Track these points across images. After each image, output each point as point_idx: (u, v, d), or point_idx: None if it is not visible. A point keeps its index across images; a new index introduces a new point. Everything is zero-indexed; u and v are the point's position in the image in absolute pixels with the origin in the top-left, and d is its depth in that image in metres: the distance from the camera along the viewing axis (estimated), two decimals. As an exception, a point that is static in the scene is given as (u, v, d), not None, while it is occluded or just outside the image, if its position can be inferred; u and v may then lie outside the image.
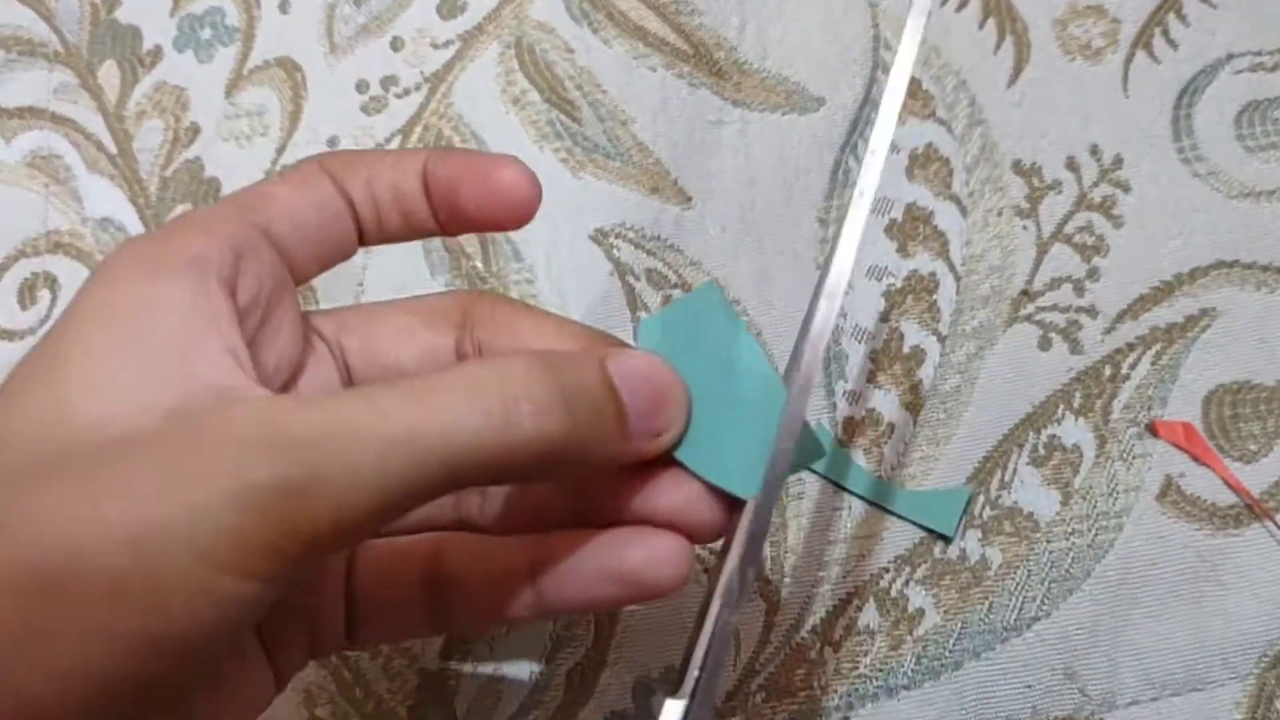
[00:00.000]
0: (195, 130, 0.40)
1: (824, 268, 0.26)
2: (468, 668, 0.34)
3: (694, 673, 0.24)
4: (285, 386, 0.26)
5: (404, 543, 0.27)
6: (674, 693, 0.24)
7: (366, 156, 0.27)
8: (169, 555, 0.19)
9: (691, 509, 0.25)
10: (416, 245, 0.38)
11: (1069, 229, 0.37)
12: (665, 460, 0.25)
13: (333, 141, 0.40)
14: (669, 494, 0.25)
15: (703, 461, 0.25)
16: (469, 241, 0.38)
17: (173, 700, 0.22)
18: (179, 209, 0.40)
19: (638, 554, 0.25)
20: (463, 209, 0.26)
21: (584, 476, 0.26)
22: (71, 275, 0.39)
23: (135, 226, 0.40)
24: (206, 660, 0.21)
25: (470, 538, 0.27)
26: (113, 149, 0.41)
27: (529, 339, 0.27)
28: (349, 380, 0.28)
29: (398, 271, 0.38)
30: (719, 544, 0.25)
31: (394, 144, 0.40)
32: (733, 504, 0.25)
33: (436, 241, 0.39)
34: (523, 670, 0.34)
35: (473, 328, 0.28)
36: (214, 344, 0.22)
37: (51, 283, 0.39)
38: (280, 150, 0.40)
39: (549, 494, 0.27)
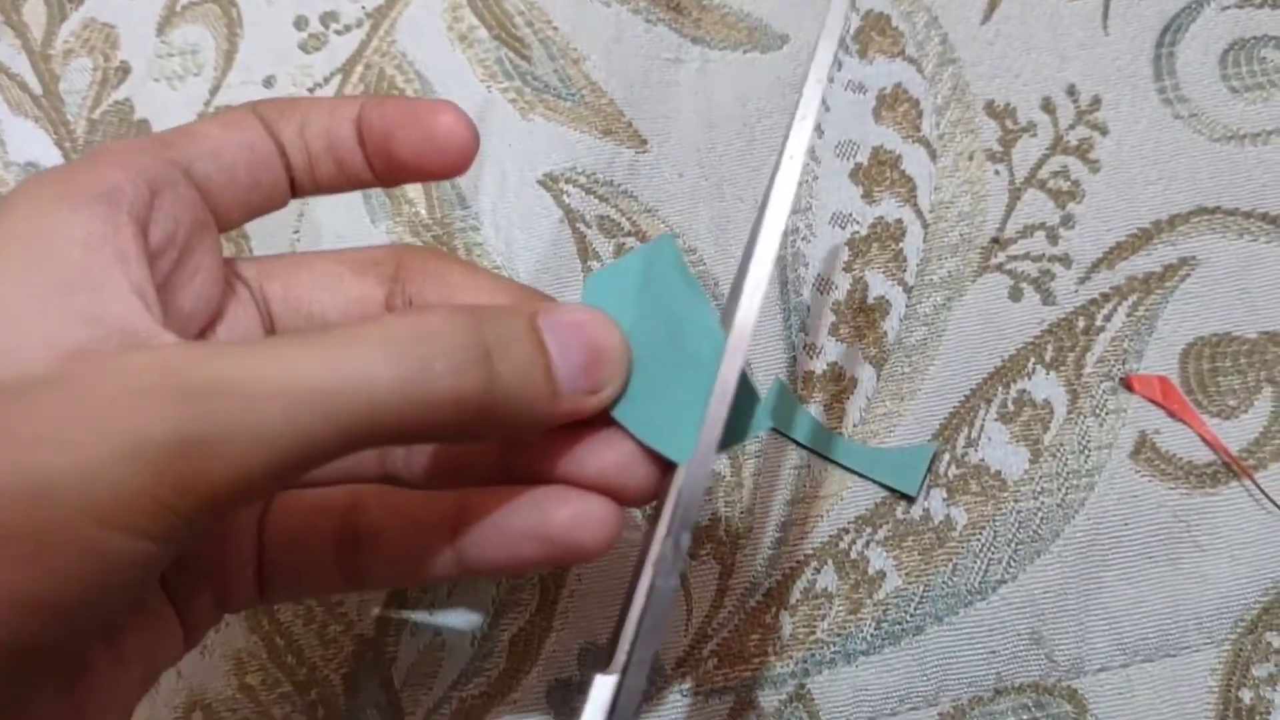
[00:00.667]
0: (125, 70, 0.38)
1: (753, 230, 0.24)
2: (406, 634, 0.33)
3: (624, 646, 0.22)
4: (202, 332, 0.25)
5: (320, 495, 0.26)
6: (605, 668, 0.22)
7: (301, 102, 0.26)
8: (56, 510, 0.18)
9: (623, 471, 0.24)
10: (356, 192, 0.36)
11: (1043, 174, 0.35)
12: (601, 418, 0.23)
13: (269, 81, 0.38)
14: (600, 454, 0.24)
15: (640, 421, 0.23)
16: (411, 186, 0.36)
17: (61, 663, 0.21)
18: (107, 153, 0.38)
19: (563, 514, 0.23)
20: (398, 156, 0.25)
21: (513, 435, 0.25)
22: (-7, 222, 0.37)
23: (61, 171, 0.38)
24: (97, 623, 0.19)
25: (389, 491, 0.26)
26: (38, 89, 0.39)
27: (461, 294, 0.26)
28: (271, 329, 0.27)
29: (337, 219, 0.36)
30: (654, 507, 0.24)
31: (333, 83, 0.37)
32: (668, 467, 0.23)
33: (385, 195, 0.37)
34: (465, 636, 0.33)
35: (405, 281, 0.27)
36: (121, 282, 0.21)
37: (-28, 230, 0.37)
38: (214, 91, 0.38)
39: (477, 449, 0.26)
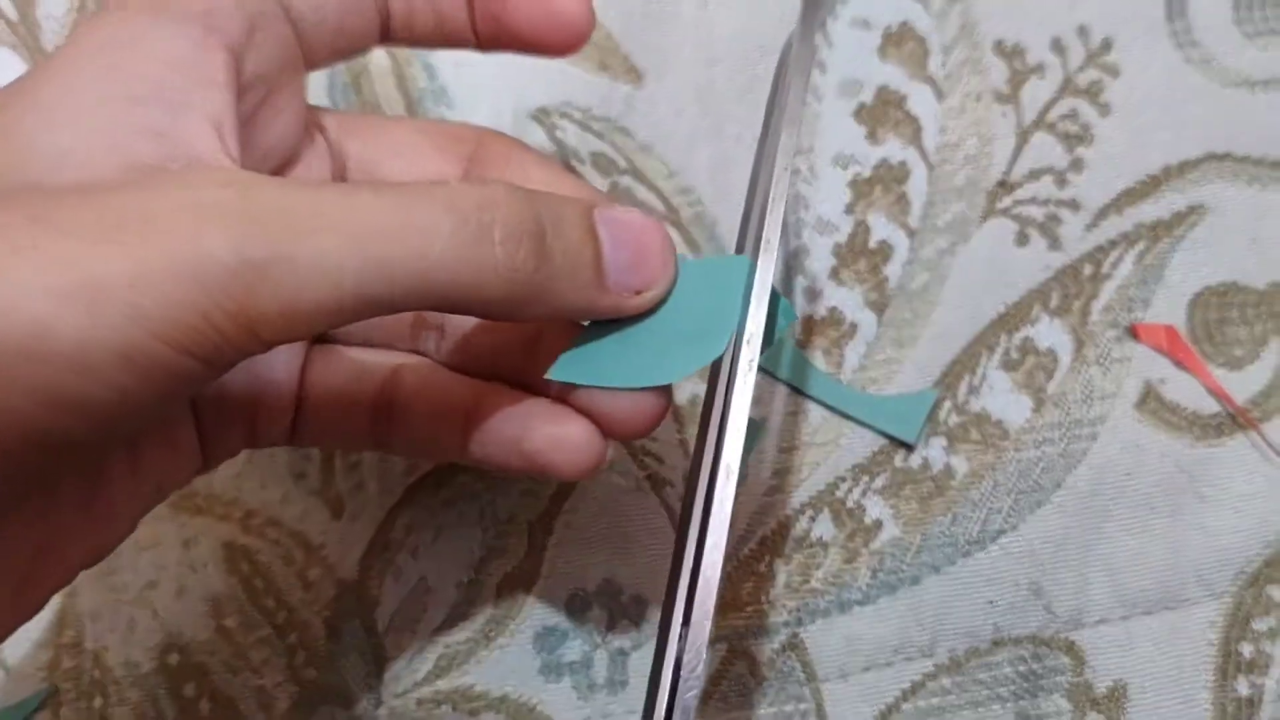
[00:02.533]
0: (102, -5, 0.37)
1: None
2: (390, 578, 0.32)
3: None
4: (275, 173, 0.25)
5: (364, 359, 0.26)
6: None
7: None
8: (103, 311, 0.17)
9: (608, 399, 0.24)
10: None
11: (1052, 116, 0.34)
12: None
13: (252, 8, 0.36)
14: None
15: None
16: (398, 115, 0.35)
17: (84, 463, 0.21)
18: (83, 80, 0.36)
19: (542, 434, 0.24)
20: (509, 24, 0.25)
21: (548, 326, 0.25)
22: (-37, 150, 0.36)
23: (35, 99, 0.36)
24: (126, 428, 0.19)
25: (426, 368, 0.26)
26: (13, 15, 0.37)
27: (537, 184, 0.25)
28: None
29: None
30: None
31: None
32: (658, 400, 0.23)
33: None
34: (449, 581, 0.32)
35: (483, 164, 0.27)
36: (198, 108, 0.21)
37: (-58, 158, 0.36)
38: (195, 17, 0.36)
39: (505, 342, 0.26)
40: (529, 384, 0.25)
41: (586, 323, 0.24)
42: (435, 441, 0.26)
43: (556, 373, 0.23)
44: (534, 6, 0.25)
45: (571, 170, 0.26)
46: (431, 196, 0.20)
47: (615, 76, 0.35)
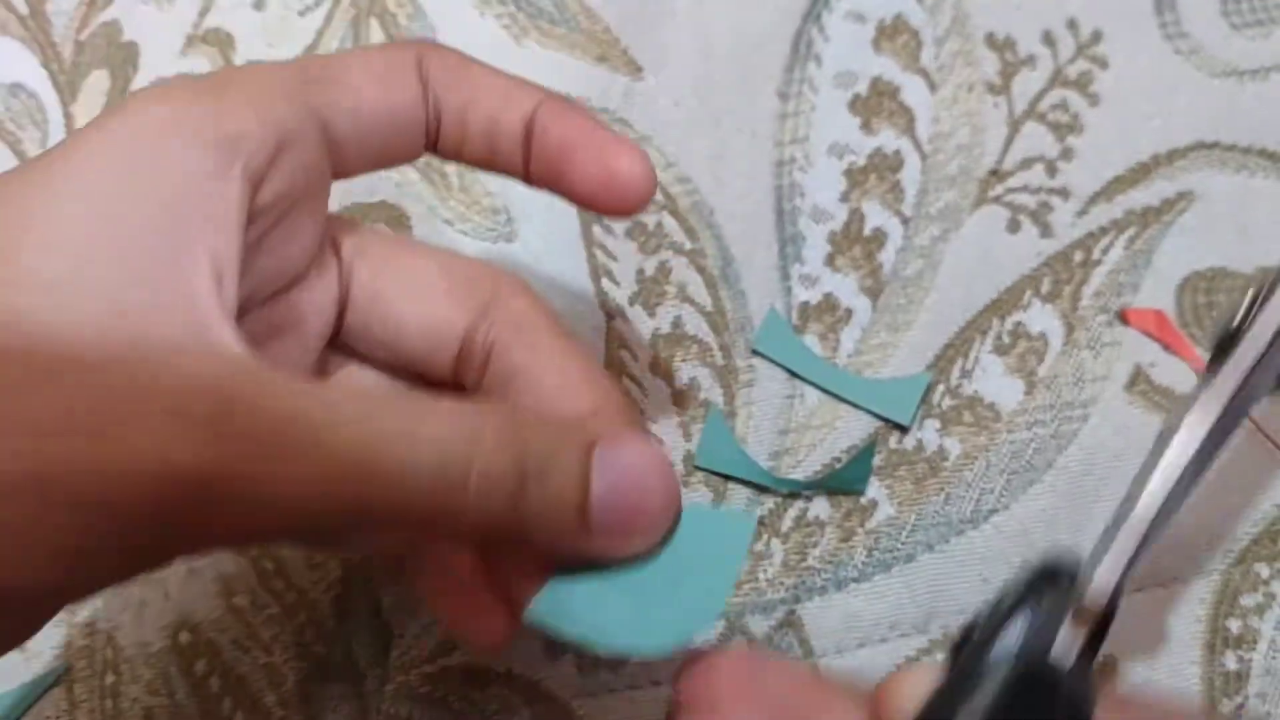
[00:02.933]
0: (113, -9, 0.38)
1: None
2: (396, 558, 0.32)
3: None
4: (276, 295, 0.24)
5: None
6: None
7: (475, 73, 0.25)
8: (52, 509, 0.17)
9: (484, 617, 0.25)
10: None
11: (1043, 106, 0.35)
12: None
13: (259, 4, 0.37)
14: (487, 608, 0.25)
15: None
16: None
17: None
18: (95, 75, 0.37)
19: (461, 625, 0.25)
20: (569, 180, 0.24)
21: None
22: (-22, 143, 0.37)
23: (48, 93, 0.37)
24: (54, 608, 0.20)
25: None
26: (24, 9, 0.38)
27: (544, 375, 0.25)
28: (343, 309, 0.25)
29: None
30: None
31: (324, 6, 0.37)
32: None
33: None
34: (454, 561, 0.32)
35: (494, 323, 0.25)
36: (201, 254, 0.20)
37: (-43, 151, 0.37)
38: (203, 13, 0.37)
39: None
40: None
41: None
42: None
43: (535, 615, 0.22)
44: (597, 172, 0.24)
45: (584, 347, 0.27)
46: (415, 435, 0.19)
47: (615, 69, 0.36)
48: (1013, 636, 0.20)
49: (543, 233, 0.35)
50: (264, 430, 0.18)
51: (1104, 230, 0.34)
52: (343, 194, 0.35)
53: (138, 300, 0.19)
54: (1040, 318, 0.33)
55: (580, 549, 0.22)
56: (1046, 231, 0.34)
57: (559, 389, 0.24)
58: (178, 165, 0.20)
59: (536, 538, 0.21)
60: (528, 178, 0.25)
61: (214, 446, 0.17)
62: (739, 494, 0.32)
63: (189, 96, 0.20)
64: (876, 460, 0.32)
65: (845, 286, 0.34)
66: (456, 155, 0.25)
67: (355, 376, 0.26)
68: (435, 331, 0.25)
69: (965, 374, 0.33)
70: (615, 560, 0.22)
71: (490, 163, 0.25)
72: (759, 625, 0.32)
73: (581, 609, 0.21)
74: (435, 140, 0.25)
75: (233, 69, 0.23)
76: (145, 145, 0.20)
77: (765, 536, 0.32)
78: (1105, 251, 0.34)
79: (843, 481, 0.32)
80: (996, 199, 0.34)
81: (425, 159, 0.35)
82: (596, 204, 0.25)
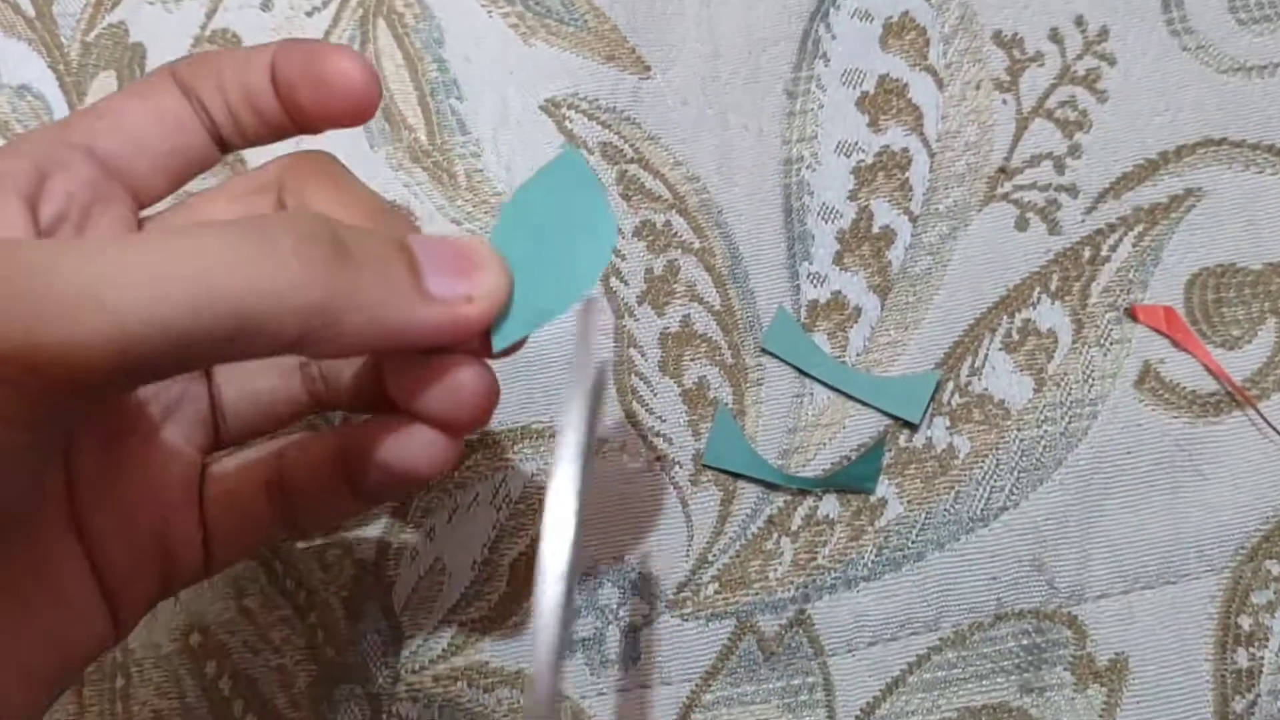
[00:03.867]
0: (119, -8, 0.38)
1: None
2: (406, 558, 0.32)
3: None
4: None
5: (247, 452, 0.26)
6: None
7: (213, 57, 0.25)
8: None
9: (435, 402, 0.23)
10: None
11: (1050, 103, 0.35)
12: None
13: (266, 4, 0.37)
14: (428, 387, 0.23)
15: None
16: (411, 113, 0.36)
17: None
18: (101, 76, 0.37)
19: (394, 449, 0.23)
20: (300, 105, 0.24)
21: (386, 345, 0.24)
22: (-15, 145, 0.37)
23: (55, 95, 0.37)
24: None
25: (304, 437, 0.25)
26: (30, 11, 0.38)
27: (344, 203, 0.25)
28: None
29: (335, 145, 0.36)
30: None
31: (332, 6, 0.37)
32: (489, 393, 0.23)
33: (378, 114, 0.36)
34: (464, 561, 0.32)
35: (287, 196, 0.25)
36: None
37: (-36, 153, 0.37)
38: (210, 14, 0.37)
39: (367, 379, 0.26)
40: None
41: None
42: (325, 499, 0.25)
43: (499, 341, 0.23)
44: (315, 85, 0.24)
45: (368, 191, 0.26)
46: (202, 228, 0.20)
47: (623, 68, 0.36)
48: None
49: (551, 232, 0.35)
50: (63, 260, 0.18)
51: (1112, 227, 0.34)
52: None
53: None
54: (1049, 315, 0.33)
55: (427, 318, 0.21)
56: (1055, 228, 0.34)
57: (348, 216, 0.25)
58: None
59: (378, 308, 0.21)
60: (298, 127, 0.25)
61: (11, 285, 0.18)
62: (749, 491, 0.32)
63: None
64: (886, 458, 0.32)
65: (854, 284, 0.34)
66: (242, 138, 0.26)
67: None
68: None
69: (974, 371, 0.33)
70: (471, 324, 0.22)
71: (266, 129, 0.25)
72: (769, 624, 0.32)
73: (518, 310, 0.23)
74: (219, 134, 0.25)
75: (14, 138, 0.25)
76: None
77: (775, 536, 0.32)
78: (1114, 248, 0.34)
79: (852, 479, 0.32)
80: (1005, 196, 0.34)
81: (433, 159, 0.35)
82: (330, 116, 0.25)
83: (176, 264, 0.18)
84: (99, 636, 0.23)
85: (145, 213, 0.26)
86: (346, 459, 0.24)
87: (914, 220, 0.34)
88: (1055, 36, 0.35)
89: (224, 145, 0.26)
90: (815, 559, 0.32)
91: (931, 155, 0.35)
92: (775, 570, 0.32)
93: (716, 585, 0.32)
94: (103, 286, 0.18)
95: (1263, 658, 0.31)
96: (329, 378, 0.27)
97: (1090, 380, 0.33)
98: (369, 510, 0.33)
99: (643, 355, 0.33)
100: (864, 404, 0.33)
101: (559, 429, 0.22)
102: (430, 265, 0.22)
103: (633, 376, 0.33)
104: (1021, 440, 0.32)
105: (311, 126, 0.25)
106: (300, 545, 0.32)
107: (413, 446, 0.23)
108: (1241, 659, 0.31)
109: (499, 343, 0.23)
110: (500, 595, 0.32)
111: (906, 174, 0.35)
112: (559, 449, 0.22)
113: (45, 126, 0.24)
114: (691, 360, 0.33)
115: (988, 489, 0.32)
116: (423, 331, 0.22)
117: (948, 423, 0.33)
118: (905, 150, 0.35)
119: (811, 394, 0.33)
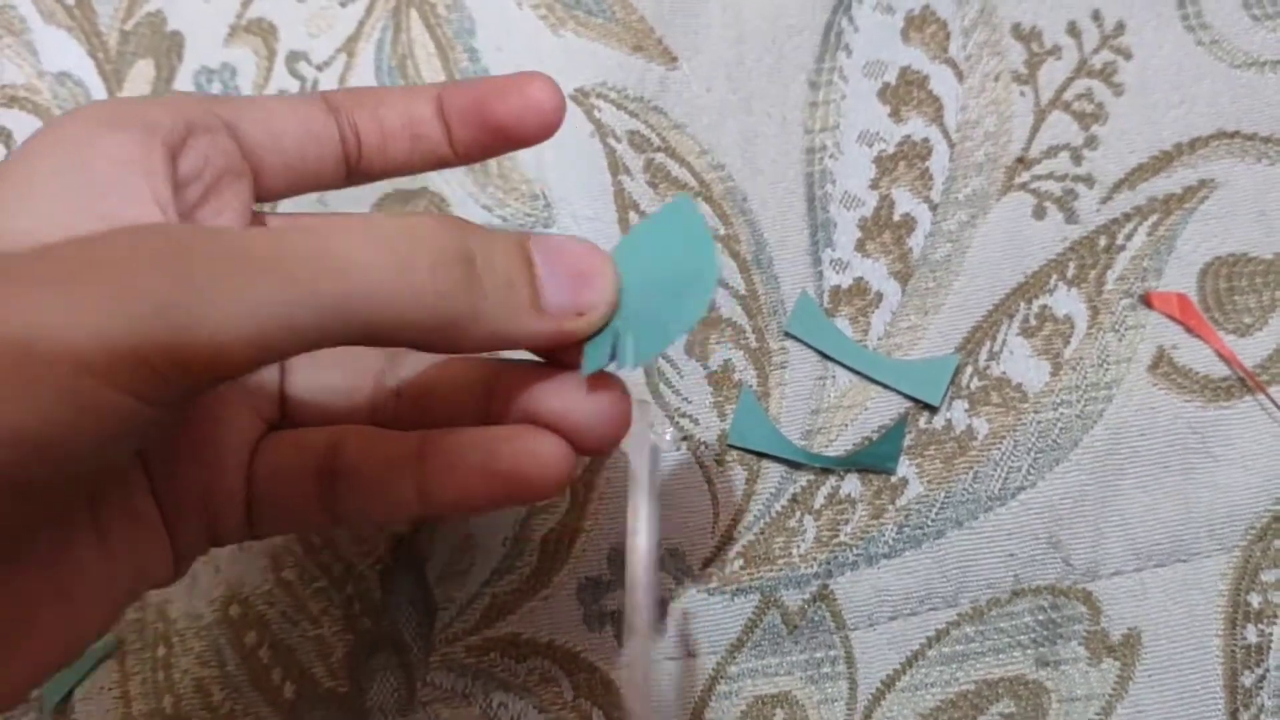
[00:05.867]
0: (157, -18, 0.38)
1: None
2: (440, 533, 0.33)
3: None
4: None
5: (306, 433, 0.26)
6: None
7: (374, 89, 0.28)
8: (44, 349, 0.18)
9: (577, 412, 0.24)
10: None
11: (1068, 96, 0.36)
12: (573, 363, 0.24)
13: (302, -6, 0.38)
14: (558, 392, 0.24)
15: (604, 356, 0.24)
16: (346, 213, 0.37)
17: (48, 507, 0.20)
18: (140, 64, 0.38)
19: (511, 451, 0.24)
20: (495, 120, 0.26)
21: (503, 369, 0.26)
22: (27, 130, 0.38)
23: (94, 82, 0.38)
24: (78, 470, 0.19)
25: (368, 431, 0.26)
26: (70, 0, 0.39)
27: None
28: None
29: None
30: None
31: (364, 0, 0.38)
32: (624, 412, 0.24)
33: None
34: (496, 536, 0.33)
35: None
36: (144, 192, 0.22)
37: (6, 138, 0.38)
38: (246, 3, 0.38)
39: (461, 394, 0.26)
40: (491, 422, 0.25)
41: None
42: (384, 496, 0.25)
43: (588, 366, 0.24)
44: (517, 104, 0.26)
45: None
46: (348, 228, 0.20)
47: (650, 58, 0.37)
48: None
49: (579, 219, 0.36)
50: (223, 253, 0.19)
51: (1127, 216, 0.35)
52: (387, 183, 0.36)
53: (92, 230, 0.20)
54: (1066, 301, 0.34)
55: (539, 331, 0.23)
56: (1071, 217, 0.35)
57: None
58: (109, 143, 0.23)
59: (496, 323, 0.22)
60: (454, 153, 0.27)
61: (169, 269, 0.19)
62: (773, 470, 0.33)
63: (111, 103, 0.24)
64: (906, 439, 0.33)
65: (875, 271, 0.35)
66: (384, 163, 0.27)
67: None
68: None
69: (993, 356, 0.34)
70: (571, 345, 0.23)
71: (417, 156, 0.27)
72: (793, 598, 0.32)
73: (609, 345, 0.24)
74: (359, 159, 0.27)
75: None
76: (84, 133, 0.23)
77: (799, 514, 0.33)
78: (1129, 237, 0.35)
79: (874, 459, 0.33)
80: (1023, 186, 0.35)
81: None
82: (523, 131, 0.27)
83: (318, 270, 0.19)
84: (163, 570, 0.25)
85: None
86: (422, 463, 0.25)
87: (934, 208, 0.35)
88: (1073, 30, 0.36)
89: (352, 171, 0.27)
90: (837, 536, 0.33)
91: (951, 145, 0.36)
92: (799, 547, 0.33)
93: (742, 561, 0.33)
94: (253, 292, 0.19)
95: (1271, 634, 0.32)
96: (406, 394, 0.27)
97: (1105, 365, 0.34)
98: (430, 522, 0.33)
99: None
100: (885, 387, 0.34)
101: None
102: (549, 274, 0.23)
103: (660, 359, 0.34)
104: (1038, 422, 0.33)
105: (486, 149, 0.27)
106: (337, 520, 0.33)
107: (541, 457, 0.24)
108: (1251, 635, 0.32)
109: (588, 367, 0.24)
110: (531, 569, 0.33)
111: (927, 163, 0.35)
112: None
113: (197, 94, 0.25)
114: (717, 344, 0.34)
115: (1005, 469, 0.33)
116: (532, 343, 0.23)
117: (967, 405, 0.34)
118: (926, 140, 0.36)
119: (834, 377, 0.34)
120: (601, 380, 0.24)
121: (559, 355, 0.24)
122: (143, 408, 0.19)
